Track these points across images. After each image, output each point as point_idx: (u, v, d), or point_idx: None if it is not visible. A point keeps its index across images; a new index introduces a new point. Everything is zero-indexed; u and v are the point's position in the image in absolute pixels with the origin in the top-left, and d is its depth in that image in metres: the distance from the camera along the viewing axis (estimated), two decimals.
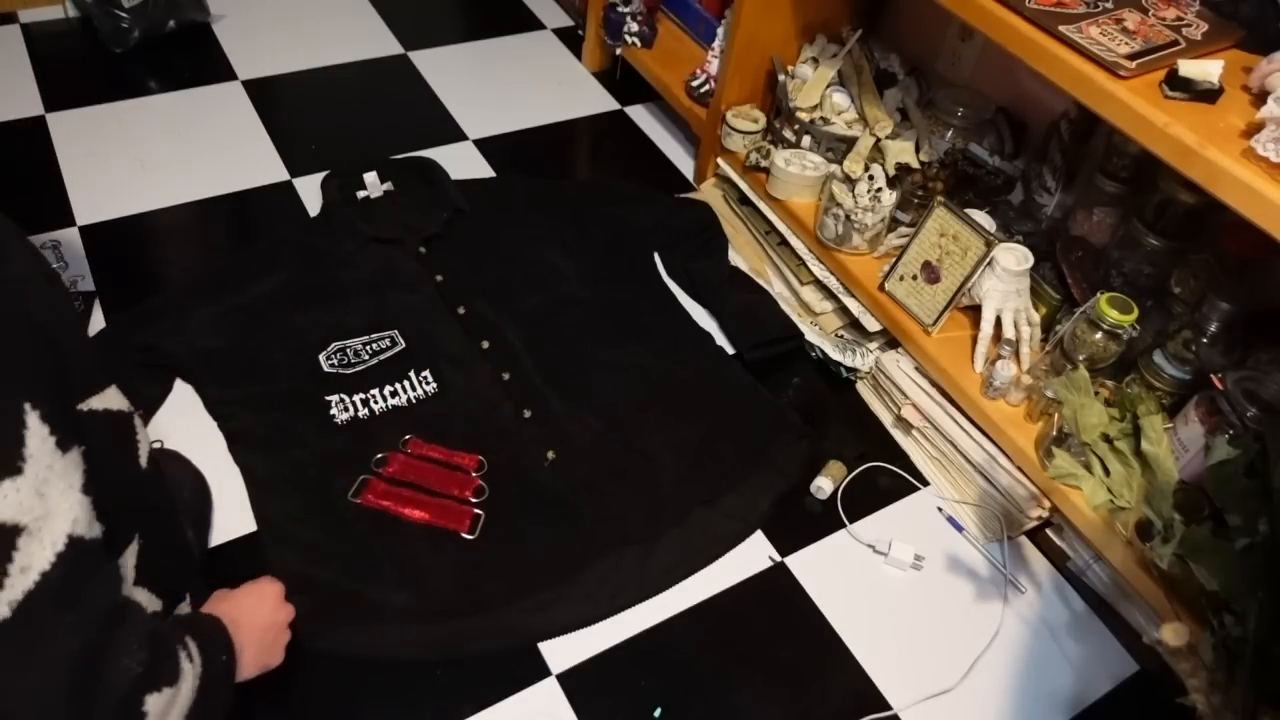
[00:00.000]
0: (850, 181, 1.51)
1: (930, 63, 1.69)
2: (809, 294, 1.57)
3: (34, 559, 0.62)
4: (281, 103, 1.88)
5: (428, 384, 1.35)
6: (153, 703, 0.69)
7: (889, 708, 1.13)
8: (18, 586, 0.61)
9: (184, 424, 1.29)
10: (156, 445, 1.18)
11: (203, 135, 1.77)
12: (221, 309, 1.40)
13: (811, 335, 1.51)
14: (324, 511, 1.20)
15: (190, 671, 0.75)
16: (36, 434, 0.63)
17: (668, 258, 1.66)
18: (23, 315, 0.65)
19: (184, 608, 0.91)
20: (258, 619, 0.94)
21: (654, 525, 1.24)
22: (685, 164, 1.90)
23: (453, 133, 1.88)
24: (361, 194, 1.62)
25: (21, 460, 0.62)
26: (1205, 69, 1.03)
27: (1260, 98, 1.00)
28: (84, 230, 1.54)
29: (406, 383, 1.35)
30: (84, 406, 0.72)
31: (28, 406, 0.63)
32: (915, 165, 1.52)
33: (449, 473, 1.25)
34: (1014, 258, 1.32)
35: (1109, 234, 1.38)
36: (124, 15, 1.86)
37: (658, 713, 1.09)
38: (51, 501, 0.64)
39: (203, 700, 0.76)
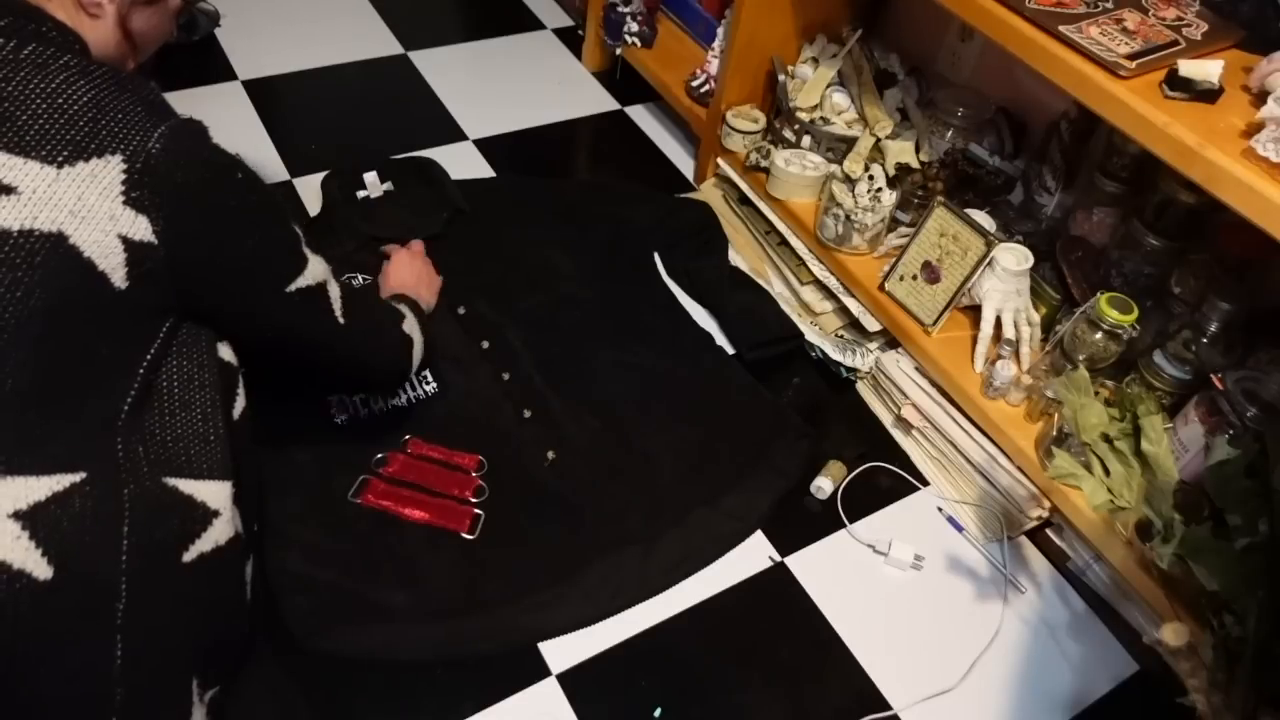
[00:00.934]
0: (850, 181, 1.51)
1: (930, 63, 1.69)
2: (809, 294, 1.57)
3: (335, 292, 1.00)
4: (281, 103, 1.88)
5: (428, 384, 1.35)
6: (410, 326, 1.18)
7: (889, 708, 1.13)
8: (338, 304, 1.00)
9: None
10: None
11: None
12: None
13: (811, 335, 1.51)
14: (324, 511, 1.20)
15: (411, 316, 1.20)
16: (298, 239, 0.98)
17: (668, 258, 1.66)
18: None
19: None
20: (411, 272, 1.39)
21: (654, 525, 1.24)
22: (685, 164, 1.90)
23: (453, 133, 1.88)
24: (361, 194, 1.62)
25: (305, 258, 0.95)
26: (1205, 69, 1.03)
27: (1260, 98, 1.00)
28: None
29: (406, 382, 1.35)
30: None
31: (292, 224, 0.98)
32: (915, 165, 1.52)
33: (449, 473, 1.25)
34: (1014, 258, 1.32)
35: (1109, 234, 1.38)
36: None
37: (658, 713, 1.09)
38: (321, 262, 0.98)
39: (425, 329, 1.22)
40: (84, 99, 0.76)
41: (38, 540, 0.70)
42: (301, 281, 0.93)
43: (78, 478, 0.73)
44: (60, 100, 0.75)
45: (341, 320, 1.00)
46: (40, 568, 0.70)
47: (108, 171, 0.75)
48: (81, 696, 0.74)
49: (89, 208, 0.74)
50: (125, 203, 0.76)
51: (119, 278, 0.76)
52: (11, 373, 0.70)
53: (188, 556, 0.81)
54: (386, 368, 1.15)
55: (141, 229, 0.76)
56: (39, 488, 0.71)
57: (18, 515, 0.69)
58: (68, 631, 0.72)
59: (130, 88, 0.80)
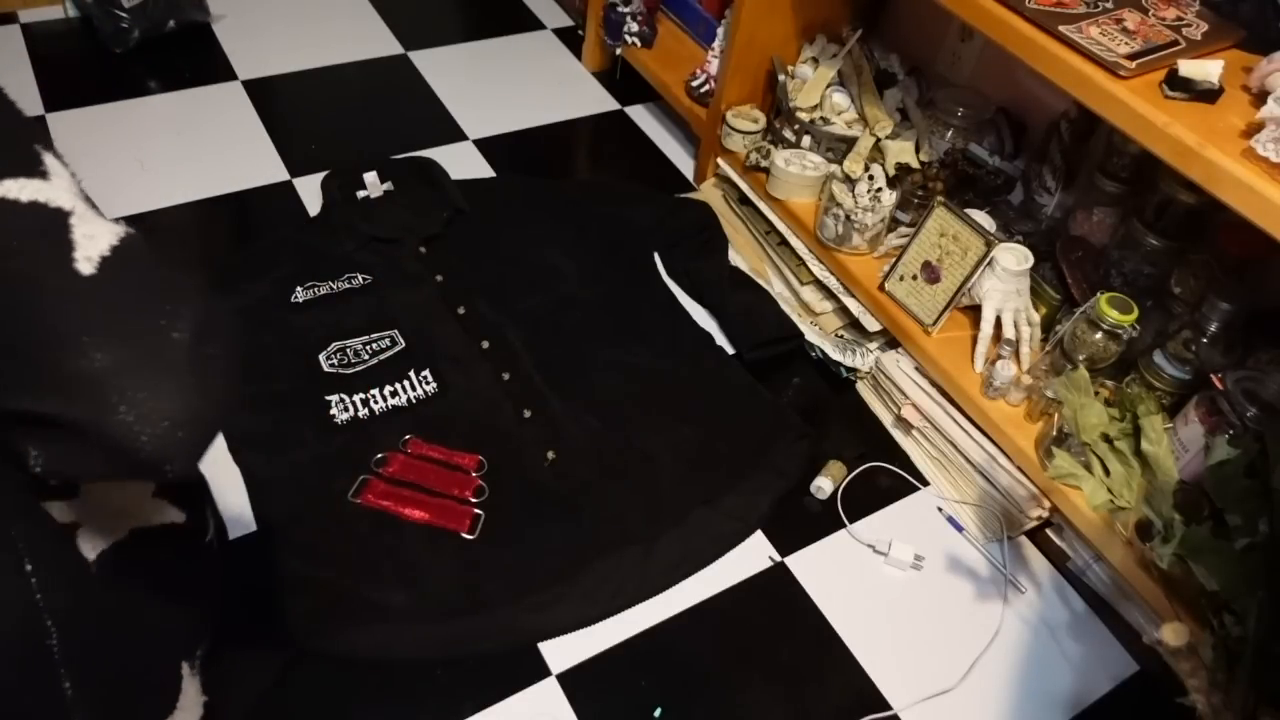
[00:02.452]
0: (850, 181, 1.51)
1: (930, 63, 1.69)
2: (809, 294, 1.57)
3: (97, 232, 0.59)
4: (281, 103, 1.88)
5: (428, 384, 1.35)
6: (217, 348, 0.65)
7: (889, 708, 1.13)
8: (91, 249, 0.58)
9: None
10: None
11: (203, 135, 1.77)
12: (221, 309, 1.40)
13: (811, 335, 1.51)
14: (324, 511, 1.20)
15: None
16: (52, 161, 0.63)
17: (668, 258, 1.66)
18: None
19: None
20: None
21: (654, 525, 1.24)
22: (685, 164, 1.90)
23: (453, 133, 1.88)
24: (361, 194, 1.62)
25: (44, 170, 0.61)
26: (1205, 69, 1.03)
27: (1260, 98, 1.00)
28: None
29: (406, 383, 1.35)
30: None
31: (39, 146, 0.63)
32: (915, 165, 1.52)
33: (449, 473, 1.25)
34: (1014, 258, 1.32)
35: (1109, 234, 1.38)
36: (124, 15, 1.86)
37: (658, 713, 1.09)
38: (85, 203, 0.61)
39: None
40: None
41: None
42: None
43: None
44: None
45: (86, 270, 0.60)
46: None
47: None
48: None
49: None
50: None
51: None
52: None
53: (92, 559, 0.74)
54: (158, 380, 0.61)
55: None
56: None
57: None
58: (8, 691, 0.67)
59: None
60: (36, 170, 0.60)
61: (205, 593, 0.93)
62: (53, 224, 0.58)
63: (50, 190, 0.60)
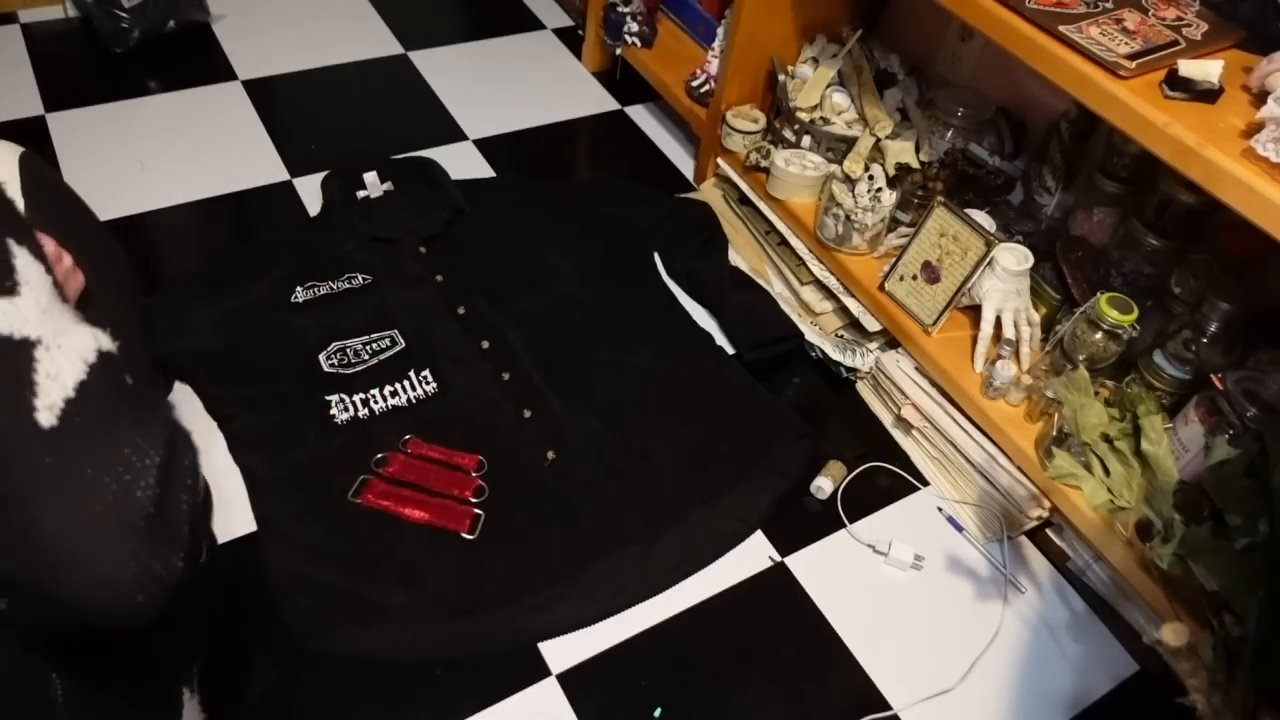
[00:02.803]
0: (850, 181, 1.51)
1: (930, 63, 1.69)
2: (809, 294, 1.57)
3: (61, 369, 0.55)
4: (281, 103, 1.88)
5: (428, 384, 1.35)
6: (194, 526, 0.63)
7: (889, 708, 1.13)
8: (54, 393, 0.54)
9: (184, 424, 1.28)
10: None
11: (203, 135, 1.77)
12: (221, 309, 1.40)
13: (811, 335, 1.51)
14: (324, 511, 1.20)
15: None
16: (26, 263, 0.57)
17: (668, 258, 1.66)
18: None
19: None
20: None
21: (654, 525, 1.24)
22: (685, 164, 1.90)
23: (453, 133, 1.88)
24: (361, 194, 1.62)
25: (14, 283, 0.55)
26: (1205, 69, 1.03)
27: (1260, 98, 1.00)
28: None
29: (406, 383, 1.35)
30: None
31: (12, 241, 0.57)
32: (915, 165, 1.52)
33: (449, 473, 1.25)
34: (1014, 258, 1.32)
35: (1109, 234, 1.38)
36: (124, 15, 1.86)
37: (658, 713, 1.09)
38: (62, 322, 0.57)
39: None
40: None
41: None
42: None
43: None
44: None
45: (46, 422, 0.55)
46: None
47: None
48: None
49: None
50: None
51: None
52: None
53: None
54: (108, 550, 0.58)
55: None
56: None
57: None
58: None
59: None
60: (4, 285, 0.55)
61: (198, 613, 0.93)
62: (15, 363, 0.54)
63: (16, 313, 0.55)
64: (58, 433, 0.54)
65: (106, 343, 0.61)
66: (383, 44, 2.09)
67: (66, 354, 0.56)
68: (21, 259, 0.58)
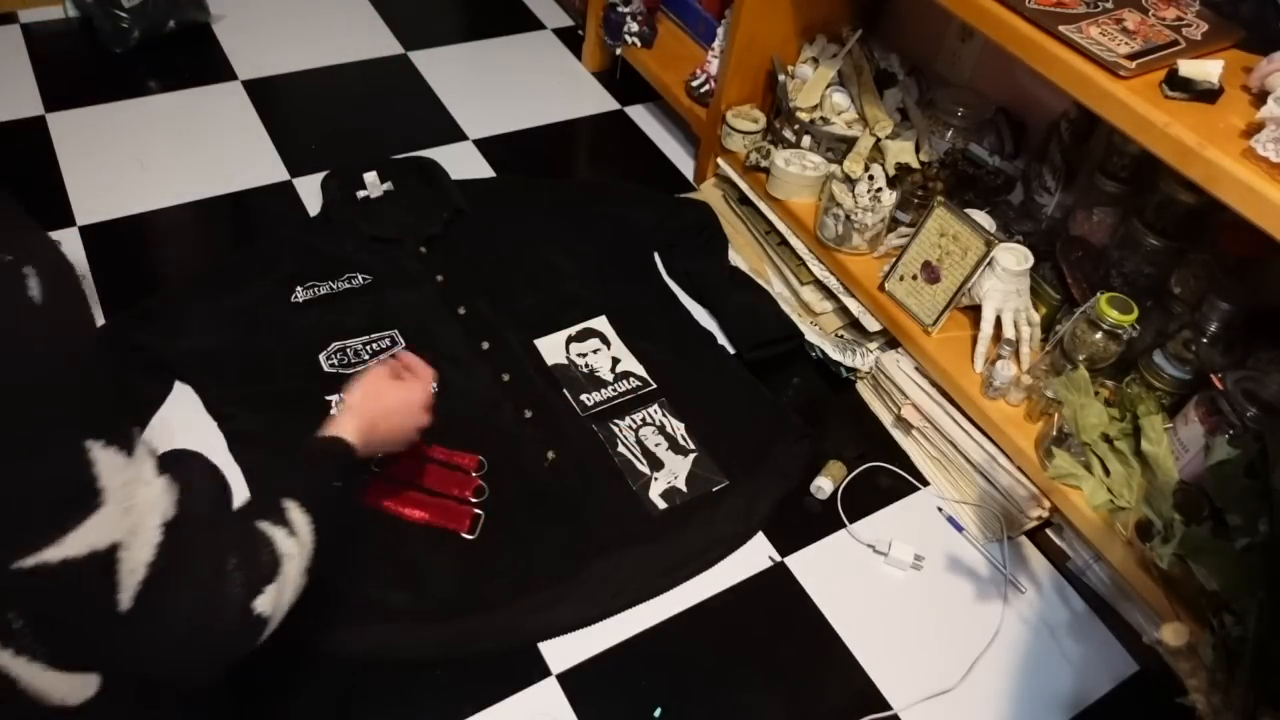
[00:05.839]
0: (850, 181, 1.51)
1: (930, 63, 1.69)
2: (809, 294, 1.57)
3: (137, 560, 0.64)
4: (281, 103, 1.88)
5: None
6: (264, 603, 0.73)
7: (889, 708, 1.13)
8: (128, 586, 0.64)
9: (184, 424, 1.29)
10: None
11: (203, 135, 1.77)
12: (221, 309, 1.40)
13: (811, 335, 1.51)
14: None
15: (293, 544, 0.79)
16: (104, 461, 0.61)
17: (668, 258, 1.66)
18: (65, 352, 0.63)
19: None
20: (380, 403, 1.02)
21: (654, 525, 1.24)
22: (685, 164, 1.89)
23: (453, 133, 1.88)
24: (361, 194, 1.62)
25: (99, 494, 0.61)
26: (1205, 69, 1.03)
27: (1260, 98, 1.00)
28: (84, 230, 1.54)
29: None
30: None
31: (89, 443, 0.61)
32: (915, 165, 1.52)
33: (449, 473, 1.25)
34: (1014, 258, 1.32)
35: (1109, 234, 1.38)
36: (124, 15, 1.86)
37: (658, 713, 1.09)
38: (138, 510, 0.64)
39: (322, 542, 0.82)
40: None
41: None
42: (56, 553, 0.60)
43: None
44: None
45: (125, 607, 0.63)
46: None
47: None
48: None
49: None
50: None
51: None
52: None
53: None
54: (192, 667, 0.72)
55: None
56: None
57: None
58: None
59: None
60: (89, 504, 0.61)
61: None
62: (101, 572, 0.62)
63: (102, 525, 0.61)
64: (132, 615, 0.64)
65: (166, 500, 0.67)
66: (383, 44, 2.09)
67: (141, 543, 0.64)
68: (103, 464, 0.61)
